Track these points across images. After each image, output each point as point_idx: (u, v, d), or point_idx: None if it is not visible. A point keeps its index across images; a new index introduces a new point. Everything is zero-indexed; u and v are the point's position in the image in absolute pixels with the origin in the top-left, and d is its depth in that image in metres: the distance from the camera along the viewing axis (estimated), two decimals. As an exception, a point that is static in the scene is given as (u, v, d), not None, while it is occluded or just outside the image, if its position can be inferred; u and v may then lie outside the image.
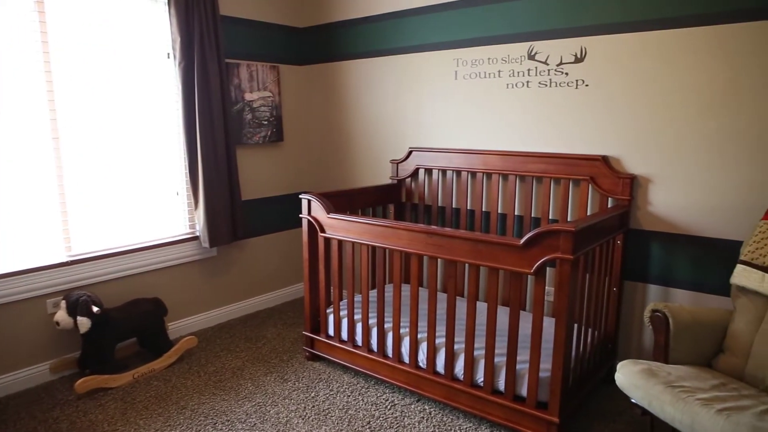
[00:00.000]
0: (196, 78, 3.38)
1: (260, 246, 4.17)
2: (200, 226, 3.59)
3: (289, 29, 4.18)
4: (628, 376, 2.08)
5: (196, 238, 3.67)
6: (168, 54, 3.45)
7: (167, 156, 3.55)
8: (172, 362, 3.25)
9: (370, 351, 3.00)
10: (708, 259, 2.68)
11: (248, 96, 3.88)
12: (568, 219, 3.03)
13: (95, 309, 2.87)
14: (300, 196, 3.12)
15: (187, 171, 3.52)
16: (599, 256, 2.61)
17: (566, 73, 2.99)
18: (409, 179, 3.72)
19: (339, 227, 2.96)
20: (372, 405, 2.80)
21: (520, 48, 3.13)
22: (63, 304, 2.90)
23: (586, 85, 2.93)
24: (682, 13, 2.60)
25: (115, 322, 3.00)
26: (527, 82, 3.14)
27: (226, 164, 3.62)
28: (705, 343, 2.29)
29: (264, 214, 4.16)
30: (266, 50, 4.02)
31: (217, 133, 3.52)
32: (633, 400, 2.09)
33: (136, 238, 3.42)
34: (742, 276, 2.26)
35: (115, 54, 3.22)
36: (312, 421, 2.66)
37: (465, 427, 2.60)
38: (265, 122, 4.02)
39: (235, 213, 3.72)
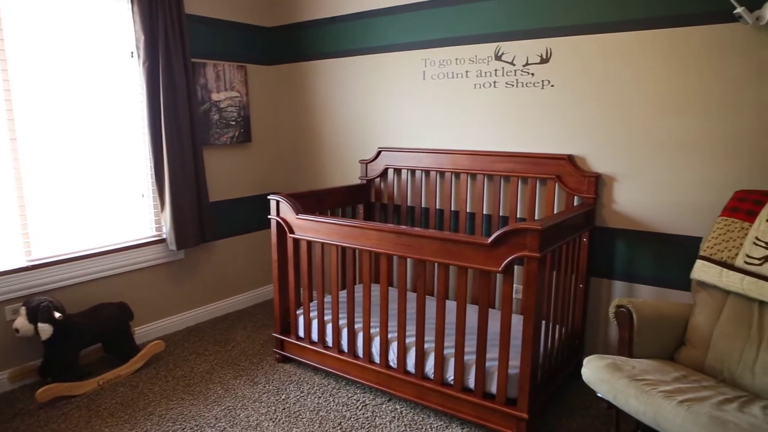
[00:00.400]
0: (161, 78, 3.32)
1: (228, 248, 4.12)
2: (167, 229, 3.52)
3: (256, 29, 4.14)
4: (594, 371, 2.12)
5: (162, 240, 3.61)
6: (132, 53, 3.38)
7: (132, 157, 3.47)
8: (139, 367, 3.19)
9: (341, 352, 2.99)
10: (670, 255, 2.75)
11: (215, 96, 3.83)
12: (536, 217, 3.08)
13: (57, 315, 2.79)
14: (268, 197, 3.09)
15: (153, 172, 3.45)
16: (566, 253, 2.65)
17: (532, 74, 3.03)
18: (378, 179, 3.72)
19: (308, 228, 2.95)
20: (343, 406, 2.79)
21: (487, 48, 3.16)
22: (23, 310, 2.81)
23: (552, 86, 2.98)
24: (645, 15, 2.66)
25: (78, 328, 2.92)
26: (494, 82, 3.17)
27: (193, 165, 3.57)
28: (667, 336, 2.35)
29: (232, 216, 4.11)
30: (233, 50, 3.97)
31: (183, 133, 3.47)
32: (599, 395, 2.13)
33: (100, 241, 3.34)
34: (701, 271, 2.32)
35: (76, 52, 3.13)
36: (283, 423, 2.63)
37: (436, 425, 2.61)
38: (233, 122, 3.97)
39: (202, 215, 3.67)
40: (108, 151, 3.35)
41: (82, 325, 2.95)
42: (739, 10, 2.34)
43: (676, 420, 1.79)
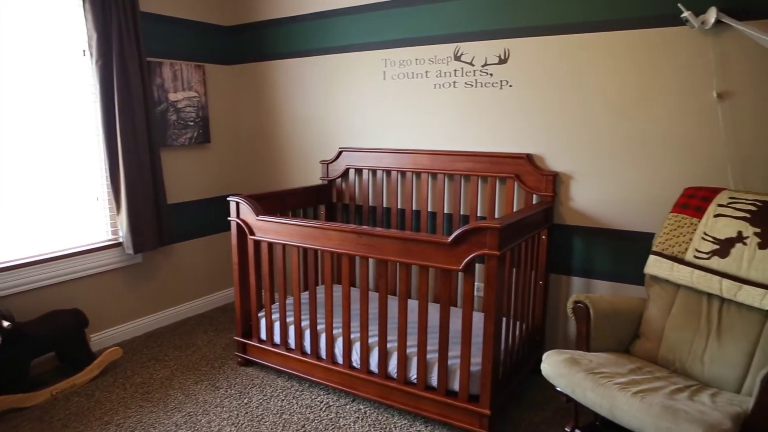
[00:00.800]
0: (116, 77, 3.23)
1: (188, 251, 4.04)
2: (123, 232, 3.43)
3: (214, 27, 4.07)
4: (552, 365, 2.16)
5: (119, 244, 3.51)
6: (84, 51, 3.28)
7: (85, 159, 3.36)
8: (95, 376, 3.09)
9: (304, 353, 2.97)
10: (625, 251, 2.83)
11: (172, 96, 3.74)
12: (496, 216, 3.12)
13: (5, 323, 2.68)
14: (228, 199, 3.04)
15: (108, 174, 3.35)
16: (525, 251, 2.70)
17: (491, 74, 3.07)
18: (339, 179, 3.71)
19: (269, 229, 2.91)
20: (306, 408, 2.77)
21: (447, 49, 3.19)
22: (-31, 319, 2.70)
23: (510, 86, 3.03)
24: (600, 18, 2.73)
25: (29, 337, 2.81)
26: (454, 82, 3.20)
27: (150, 167, 3.48)
28: (623, 330, 2.41)
29: (191, 218, 4.03)
30: (191, 49, 3.89)
31: (139, 134, 3.38)
32: (558, 389, 2.17)
33: (52, 246, 3.22)
34: (654, 266, 2.40)
35: (25, 50, 3.01)
36: (245, 428, 2.60)
37: (400, 424, 2.62)
38: (191, 123, 3.89)
39: (160, 217, 3.58)
40: (60, 153, 3.23)
41: (33, 334, 2.84)
42: (686, 14, 2.42)
43: (631, 411, 1.84)
